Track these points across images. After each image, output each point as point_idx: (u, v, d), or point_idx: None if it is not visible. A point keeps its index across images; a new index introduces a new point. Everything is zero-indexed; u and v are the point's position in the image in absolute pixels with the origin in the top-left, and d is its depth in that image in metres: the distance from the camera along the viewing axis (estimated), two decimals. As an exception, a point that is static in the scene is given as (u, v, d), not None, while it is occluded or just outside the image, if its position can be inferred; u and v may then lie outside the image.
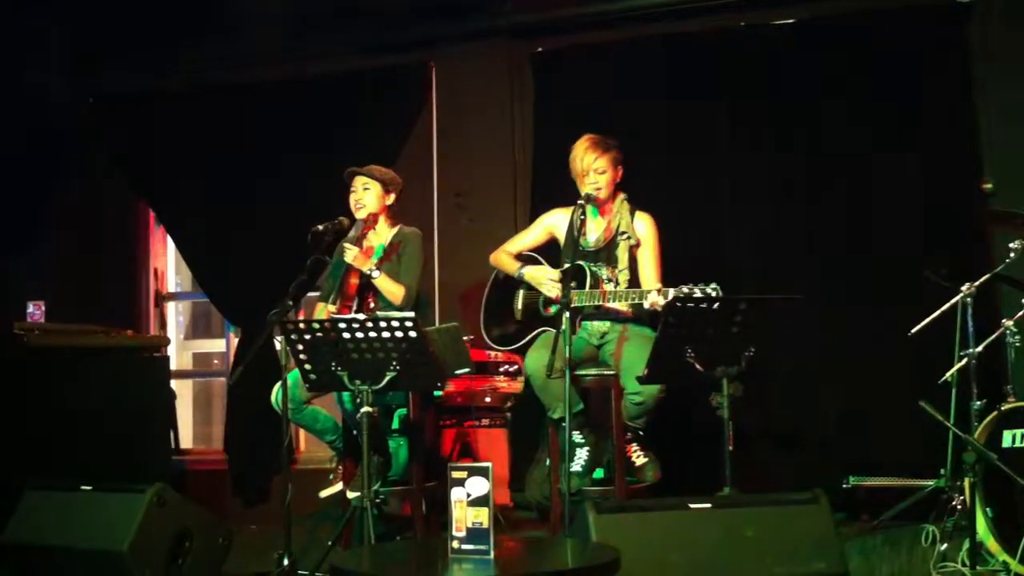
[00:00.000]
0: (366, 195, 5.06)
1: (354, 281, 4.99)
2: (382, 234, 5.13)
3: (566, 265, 4.77)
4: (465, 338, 5.13)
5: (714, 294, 4.26)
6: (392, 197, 5.12)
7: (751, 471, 4.47)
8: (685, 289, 4.34)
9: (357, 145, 6.26)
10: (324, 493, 5.14)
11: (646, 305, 4.54)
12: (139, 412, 5.78)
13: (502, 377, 5.68)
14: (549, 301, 4.97)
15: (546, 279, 4.94)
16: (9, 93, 6.69)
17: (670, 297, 4.35)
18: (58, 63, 6.89)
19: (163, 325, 7.25)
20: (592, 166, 4.86)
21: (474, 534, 3.05)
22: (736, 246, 5.81)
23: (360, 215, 5.04)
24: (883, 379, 5.40)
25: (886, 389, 5.36)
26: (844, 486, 5.19)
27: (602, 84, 6.10)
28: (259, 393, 5.15)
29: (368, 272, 4.94)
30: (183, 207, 6.91)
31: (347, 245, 5.00)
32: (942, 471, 4.79)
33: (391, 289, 4.95)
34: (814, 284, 5.58)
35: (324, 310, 5.06)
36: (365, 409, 4.14)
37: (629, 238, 4.87)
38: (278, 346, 4.33)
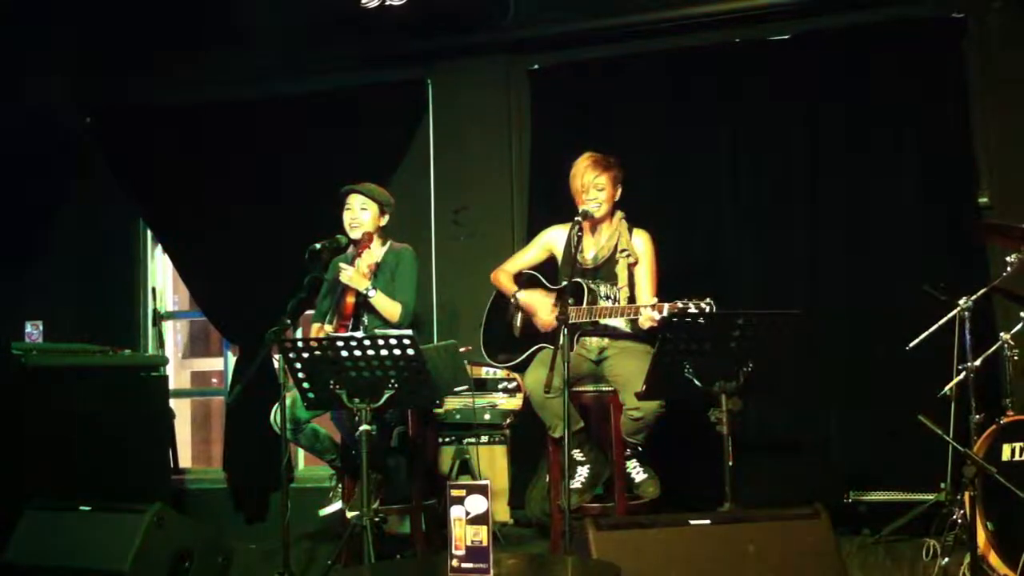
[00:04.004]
0: (362, 215, 5.06)
1: (350, 300, 4.98)
2: (375, 252, 5.13)
3: (564, 282, 4.78)
4: (462, 349, 5.13)
5: (708, 309, 4.27)
6: (386, 218, 5.13)
7: (751, 486, 4.46)
8: (680, 304, 4.35)
9: (354, 161, 6.26)
10: (323, 511, 5.13)
11: (641, 323, 4.55)
12: (138, 431, 5.76)
13: (501, 394, 5.68)
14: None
15: (542, 309, 4.92)
16: (8, 110, 6.70)
17: (664, 313, 4.36)
18: (58, 79, 6.90)
19: (161, 344, 7.24)
20: (593, 183, 4.87)
21: (474, 552, 3.05)
22: (736, 259, 5.81)
23: (355, 234, 5.04)
24: (882, 393, 5.40)
25: (885, 403, 5.36)
26: (845, 501, 5.20)
27: (600, 99, 6.11)
28: (258, 411, 5.14)
29: (365, 292, 4.94)
30: (180, 224, 6.90)
31: (342, 265, 5.00)
32: (942, 485, 4.79)
33: (388, 308, 4.96)
34: (813, 297, 5.60)
35: (320, 330, 5.06)
36: (363, 427, 4.13)
37: (628, 255, 4.88)
38: (276, 364, 4.33)
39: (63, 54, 6.90)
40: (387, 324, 4.94)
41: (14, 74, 6.62)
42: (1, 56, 6.51)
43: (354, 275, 4.96)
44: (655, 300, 4.64)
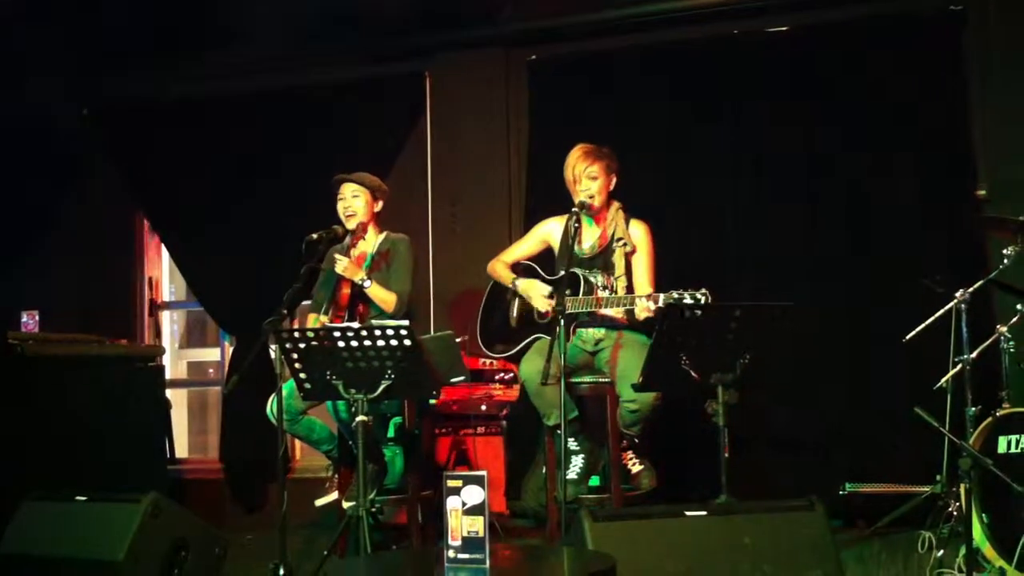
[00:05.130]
0: (355, 202, 5.07)
1: (346, 291, 4.98)
2: (370, 242, 5.13)
3: (561, 273, 4.77)
4: (459, 339, 5.14)
5: (702, 299, 4.27)
6: (380, 204, 5.14)
7: (747, 478, 4.46)
8: (675, 295, 4.35)
9: (353, 154, 6.26)
10: (320, 502, 5.13)
11: (637, 314, 4.55)
12: (134, 422, 5.76)
13: (498, 385, 5.68)
14: (543, 309, 4.97)
15: (538, 294, 4.93)
16: (8, 103, 6.69)
17: (660, 303, 4.36)
18: (58, 73, 6.89)
19: (158, 334, 7.25)
20: (584, 172, 4.87)
21: (470, 543, 3.04)
22: (735, 250, 5.81)
23: (350, 224, 5.04)
24: (879, 385, 5.41)
25: (882, 395, 5.36)
26: (840, 493, 5.20)
27: (598, 92, 6.10)
28: (254, 402, 5.15)
29: (360, 282, 4.94)
30: (178, 216, 6.92)
31: (337, 256, 5.00)
32: (938, 477, 4.79)
33: (383, 297, 4.95)
34: (811, 290, 5.59)
35: (316, 321, 5.06)
36: (360, 418, 4.13)
37: (625, 244, 4.88)
38: (273, 355, 4.32)
39: (63, 52, 6.89)
40: (382, 314, 4.94)
41: (14, 66, 6.61)
42: (1, 54, 6.50)
43: (348, 265, 4.96)
44: (652, 291, 4.64)
